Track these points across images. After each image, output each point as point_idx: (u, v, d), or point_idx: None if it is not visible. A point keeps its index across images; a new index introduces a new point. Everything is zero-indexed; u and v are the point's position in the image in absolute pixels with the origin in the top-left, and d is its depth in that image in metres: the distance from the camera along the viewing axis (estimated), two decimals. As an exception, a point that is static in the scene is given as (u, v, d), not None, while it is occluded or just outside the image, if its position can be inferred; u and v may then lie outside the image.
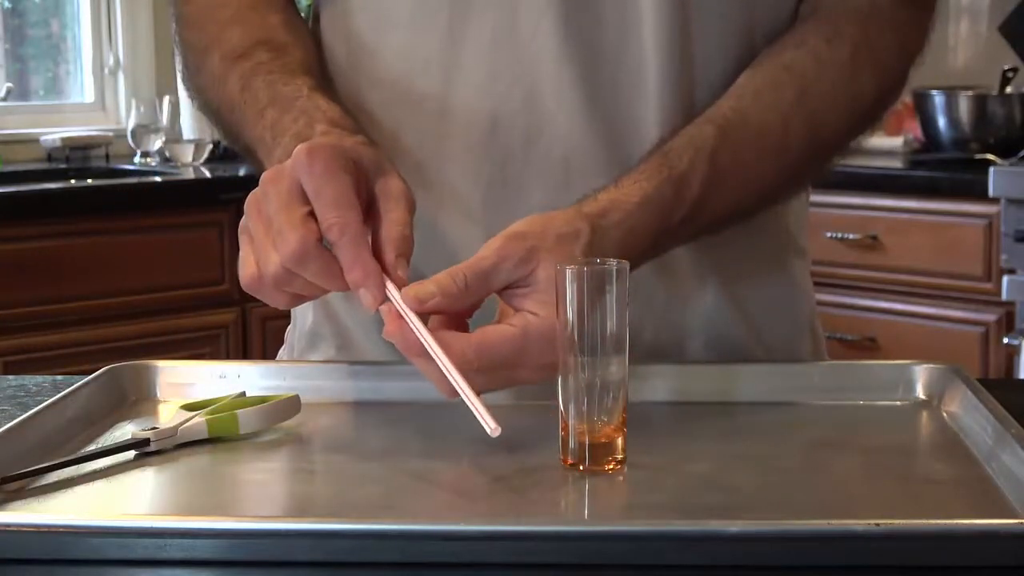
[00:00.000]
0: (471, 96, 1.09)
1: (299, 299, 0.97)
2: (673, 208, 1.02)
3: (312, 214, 0.92)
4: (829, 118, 1.09)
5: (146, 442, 0.94)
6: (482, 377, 0.92)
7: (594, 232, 0.97)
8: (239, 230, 0.97)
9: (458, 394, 0.90)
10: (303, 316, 1.23)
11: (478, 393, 0.90)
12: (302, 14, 1.20)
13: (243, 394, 1.02)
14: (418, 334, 0.91)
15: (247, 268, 0.95)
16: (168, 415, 1.00)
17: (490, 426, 0.88)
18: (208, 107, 1.16)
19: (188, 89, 1.20)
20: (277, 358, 1.25)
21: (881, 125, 1.15)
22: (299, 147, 0.94)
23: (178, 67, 1.21)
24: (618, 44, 1.08)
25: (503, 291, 0.95)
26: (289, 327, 1.27)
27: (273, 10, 1.15)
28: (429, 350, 0.91)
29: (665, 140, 1.05)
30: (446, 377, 0.91)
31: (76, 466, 0.90)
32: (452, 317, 0.94)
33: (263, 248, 0.93)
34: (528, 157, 1.09)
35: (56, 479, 0.88)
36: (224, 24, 1.14)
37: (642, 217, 1.00)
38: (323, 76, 1.14)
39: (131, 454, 0.93)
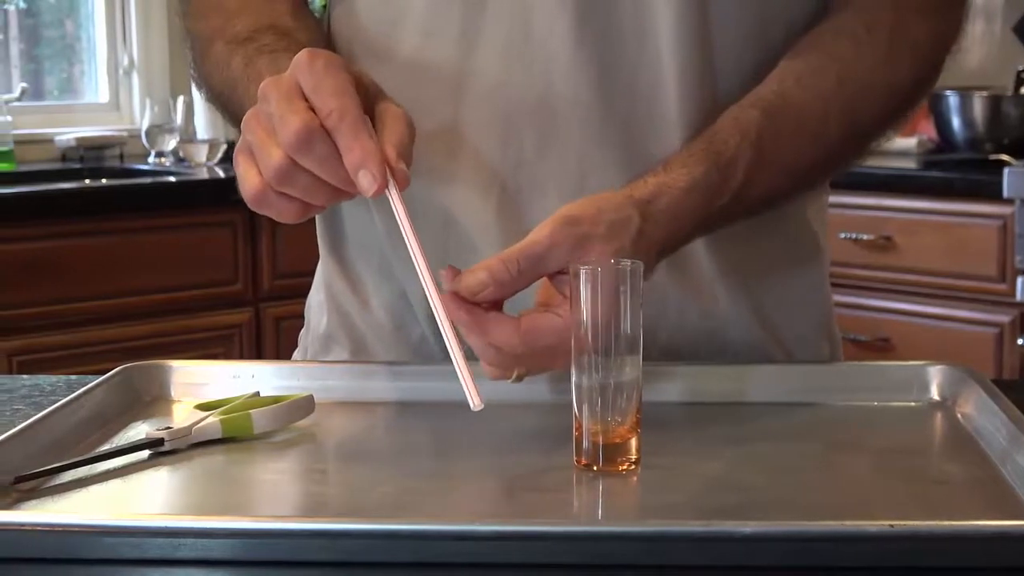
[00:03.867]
0: (484, 100, 1.09)
1: (307, 209, 0.94)
2: (718, 193, 1.03)
3: (312, 109, 0.91)
4: (867, 104, 1.10)
5: (160, 442, 0.94)
6: (522, 361, 0.92)
7: (644, 219, 0.97)
8: (235, 154, 0.95)
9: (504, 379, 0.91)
10: (317, 320, 1.23)
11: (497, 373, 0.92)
12: (316, 15, 1.20)
13: (257, 394, 1.02)
14: (426, 290, 0.91)
15: (249, 180, 0.93)
16: (182, 415, 1.00)
17: (473, 401, 0.88)
18: (212, 92, 1.15)
19: (195, 79, 1.19)
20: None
21: (916, 114, 1.16)
22: (300, 52, 0.93)
23: (187, 60, 1.21)
24: (635, 45, 1.08)
25: (551, 275, 0.95)
26: (303, 331, 1.27)
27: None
28: (434, 310, 0.91)
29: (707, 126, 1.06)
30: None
31: (90, 466, 0.90)
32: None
33: (263, 147, 0.92)
34: (542, 160, 1.09)
35: (70, 478, 0.89)
36: (231, 14, 1.14)
37: (688, 203, 1.01)
38: None
39: (145, 454, 0.93)
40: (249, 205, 0.94)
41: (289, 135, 0.89)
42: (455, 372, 0.90)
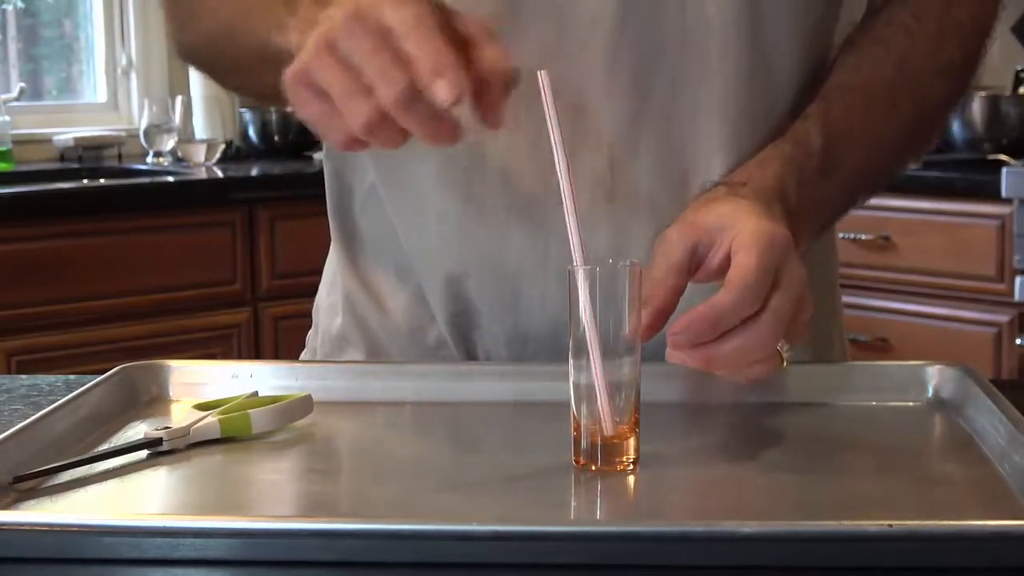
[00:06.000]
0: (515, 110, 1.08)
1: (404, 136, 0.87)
2: (803, 162, 1.03)
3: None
4: (927, 86, 1.12)
5: (159, 441, 0.94)
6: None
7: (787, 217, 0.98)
8: (295, 84, 0.86)
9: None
10: (328, 320, 1.22)
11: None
12: None
13: (255, 394, 1.02)
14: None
15: (332, 132, 0.87)
16: (181, 415, 1.00)
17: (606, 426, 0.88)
18: (214, 32, 1.08)
19: (179, 44, 1.14)
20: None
21: (968, 93, 1.19)
22: None
23: (166, 28, 1.15)
24: (677, 54, 1.06)
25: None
26: (310, 332, 1.26)
27: None
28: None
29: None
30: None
31: (88, 466, 0.90)
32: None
33: (351, 97, 0.84)
34: (572, 168, 1.07)
35: (68, 478, 0.88)
36: None
37: (782, 185, 1.01)
38: None
39: (143, 453, 0.93)
40: (336, 148, 0.90)
41: (393, 94, 0.83)
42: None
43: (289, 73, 0.87)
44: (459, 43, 0.85)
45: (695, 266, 0.94)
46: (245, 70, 1.06)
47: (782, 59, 1.09)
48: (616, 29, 1.06)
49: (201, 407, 0.99)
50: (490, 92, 0.86)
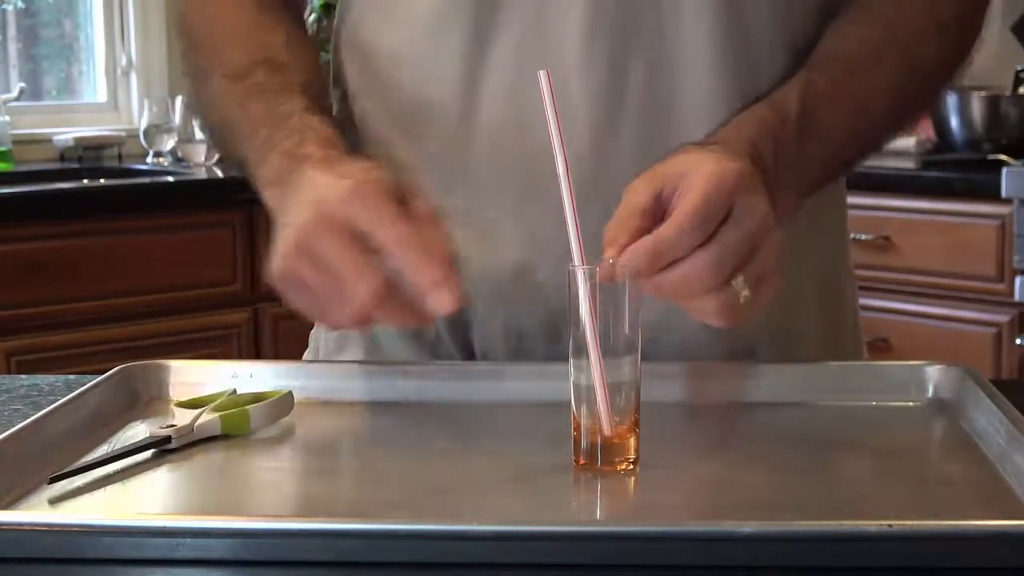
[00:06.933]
0: (497, 101, 1.09)
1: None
2: (778, 126, 1.03)
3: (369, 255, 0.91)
4: (921, 44, 1.11)
5: (167, 440, 0.94)
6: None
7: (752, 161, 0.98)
8: (280, 276, 0.94)
9: None
10: None
11: None
12: (309, 37, 1.20)
13: (234, 391, 1.03)
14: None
15: (329, 320, 0.95)
16: (180, 415, 1.00)
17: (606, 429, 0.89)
18: (209, 127, 1.16)
19: (194, 111, 1.20)
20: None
21: (973, 56, 1.17)
22: (344, 184, 0.92)
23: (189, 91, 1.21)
24: (653, 34, 1.07)
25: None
26: (314, 330, 1.26)
27: (278, 28, 1.14)
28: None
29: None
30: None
31: (87, 465, 0.90)
32: None
33: (331, 303, 0.92)
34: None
35: (67, 479, 0.88)
36: (227, 43, 1.14)
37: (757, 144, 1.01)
38: (323, 96, 1.13)
39: (145, 453, 0.93)
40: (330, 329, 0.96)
41: (364, 298, 0.90)
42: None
43: (273, 272, 0.94)
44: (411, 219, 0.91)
45: (660, 212, 0.93)
46: (229, 158, 1.14)
47: (762, 39, 1.09)
48: (589, 12, 1.07)
49: (183, 405, 0.99)
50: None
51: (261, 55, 1.11)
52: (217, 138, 1.15)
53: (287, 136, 1.02)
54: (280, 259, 0.93)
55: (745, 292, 0.93)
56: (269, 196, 1.01)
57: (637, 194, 0.94)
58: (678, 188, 0.93)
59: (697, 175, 0.93)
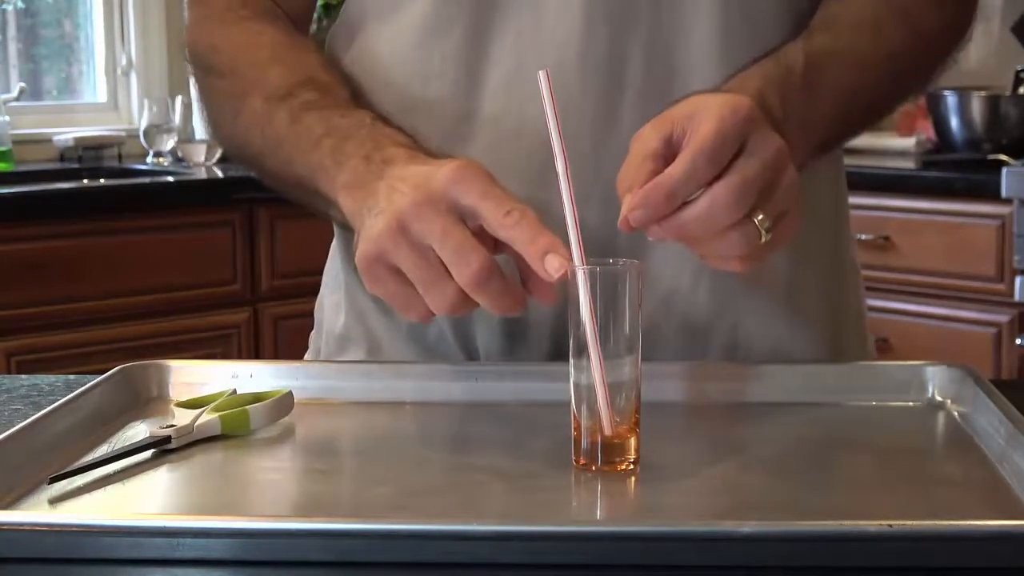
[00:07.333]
0: (498, 95, 1.09)
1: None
2: (783, 79, 1.02)
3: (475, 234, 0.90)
4: (920, 13, 1.11)
5: (168, 440, 0.94)
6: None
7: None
8: (369, 263, 0.92)
9: None
10: (332, 319, 1.22)
11: None
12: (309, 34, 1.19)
13: (235, 391, 1.02)
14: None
15: (414, 310, 0.93)
16: (180, 415, 1.00)
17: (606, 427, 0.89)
18: (246, 149, 1.13)
19: (218, 137, 1.18)
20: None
21: (973, 21, 1.17)
22: (446, 167, 0.91)
23: (202, 120, 1.20)
24: (651, 18, 1.07)
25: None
26: (313, 332, 1.26)
27: (309, 49, 1.14)
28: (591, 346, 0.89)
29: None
30: None
31: (86, 465, 0.90)
32: None
33: (433, 284, 0.90)
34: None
35: (68, 479, 0.88)
36: (262, 65, 1.12)
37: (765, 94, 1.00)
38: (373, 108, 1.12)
39: (145, 453, 0.93)
40: (414, 321, 0.96)
41: (469, 275, 0.89)
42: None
43: (363, 255, 0.92)
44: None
45: (671, 157, 0.92)
46: (276, 178, 1.11)
47: (763, 23, 1.09)
48: (590, 9, 1.06)
49: (183, 405, 0.99)
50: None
51: (303, 74, 1.10)
52: (258, 160, 1.12)
53: (360, 144, 1.00)
54: (372, 242, 0.92)
55: (767, 226, 0.91)
56: (347, 200, 0.98)
57: (646, 140, 0.93)
58: (687, 130, 0.92)
59: (706, 112, 0.91)
